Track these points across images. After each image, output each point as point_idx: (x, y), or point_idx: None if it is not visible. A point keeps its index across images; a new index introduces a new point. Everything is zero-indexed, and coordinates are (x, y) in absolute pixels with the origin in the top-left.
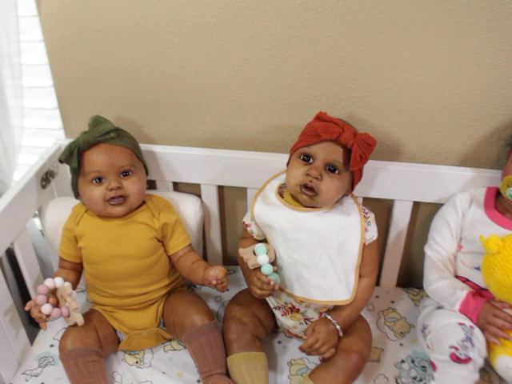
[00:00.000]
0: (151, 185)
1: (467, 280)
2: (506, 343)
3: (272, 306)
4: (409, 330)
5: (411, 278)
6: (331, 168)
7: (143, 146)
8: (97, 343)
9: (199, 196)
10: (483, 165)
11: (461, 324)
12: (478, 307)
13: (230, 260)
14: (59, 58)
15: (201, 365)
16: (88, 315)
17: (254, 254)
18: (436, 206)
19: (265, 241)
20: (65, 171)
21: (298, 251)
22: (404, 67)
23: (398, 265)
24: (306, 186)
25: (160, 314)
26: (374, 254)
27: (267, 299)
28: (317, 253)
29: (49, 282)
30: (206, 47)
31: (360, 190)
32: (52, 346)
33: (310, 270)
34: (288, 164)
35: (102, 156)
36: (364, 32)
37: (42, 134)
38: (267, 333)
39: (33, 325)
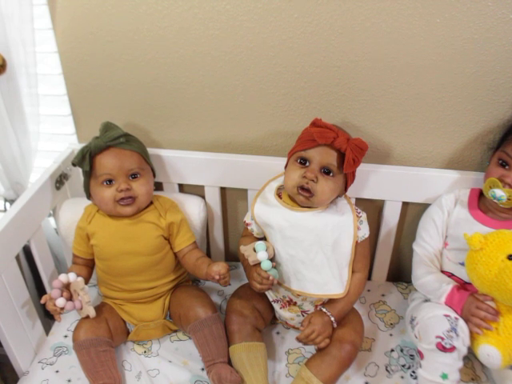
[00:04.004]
0: (158, 186)
1: (452, 275)
2: (487, 333)
3: (271, 300)
4: (398, 321)
5: (400, 273)
6: (326, 171)
7: (151, 150)
8: (108, 334)
9: (203, 197)
10: (467, 167)
11: (446, 315)
12: (462, 300)
13: (232, 256)
14: (72, 68)
15: (204, 354)
16: (99, 308)
17: (254, 250)
18: (423, 206)
19: (264, 239)
20: (77, 174)
21: (295, 248)
22: (394, 76)
23: (388, 261)
24: (302, 188)
25: (166, 306)
26: (366, 251)
27: (266, 293)
28: (313, 250)
29: (63, 277)
30: (210, 58)
31: (353, 191)
32: (66, 336)
33: (306, 265)
34: (286, 167)
35: (112, 160)
36: (356, 44)
37: (57, 139)
38: (266, 324)
39: (48, 317)
